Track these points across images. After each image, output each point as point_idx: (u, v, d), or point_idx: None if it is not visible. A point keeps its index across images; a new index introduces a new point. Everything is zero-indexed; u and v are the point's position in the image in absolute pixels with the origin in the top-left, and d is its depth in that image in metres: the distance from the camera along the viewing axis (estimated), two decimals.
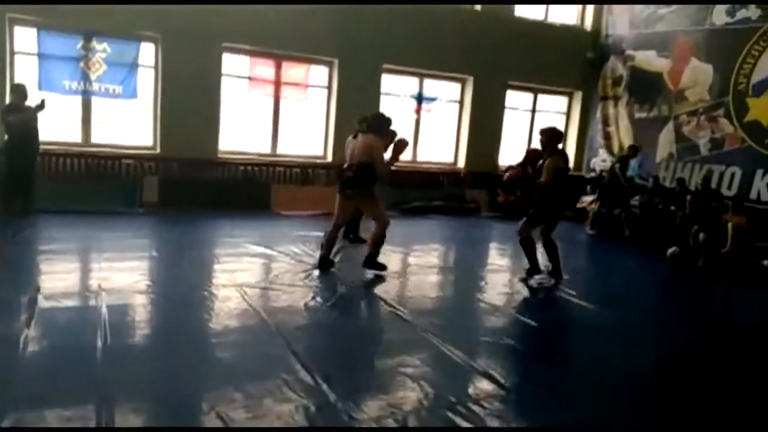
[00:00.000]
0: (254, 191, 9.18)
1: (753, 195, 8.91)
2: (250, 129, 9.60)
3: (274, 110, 9.58)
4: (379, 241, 5.60)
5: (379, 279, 5.54)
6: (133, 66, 8.61)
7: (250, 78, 9.32)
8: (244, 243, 6.67)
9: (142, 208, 8.40)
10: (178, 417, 2.78)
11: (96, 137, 8.64)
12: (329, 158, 10.00)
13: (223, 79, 9.07)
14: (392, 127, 5.90)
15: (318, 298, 4.85)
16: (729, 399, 3.50)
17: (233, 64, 9.19)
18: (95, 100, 8.57)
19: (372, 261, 5.61)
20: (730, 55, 9.38)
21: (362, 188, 5.49)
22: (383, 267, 5.67)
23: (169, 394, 2.99)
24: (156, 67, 8.72)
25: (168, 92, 8.67)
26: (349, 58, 9.66)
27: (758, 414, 3.34)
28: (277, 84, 9.49)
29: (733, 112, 9.37)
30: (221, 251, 6.30)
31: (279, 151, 9.74)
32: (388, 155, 5.71)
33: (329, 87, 9.88)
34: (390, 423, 2.81)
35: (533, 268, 5.92)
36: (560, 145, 6.06)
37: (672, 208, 8.50)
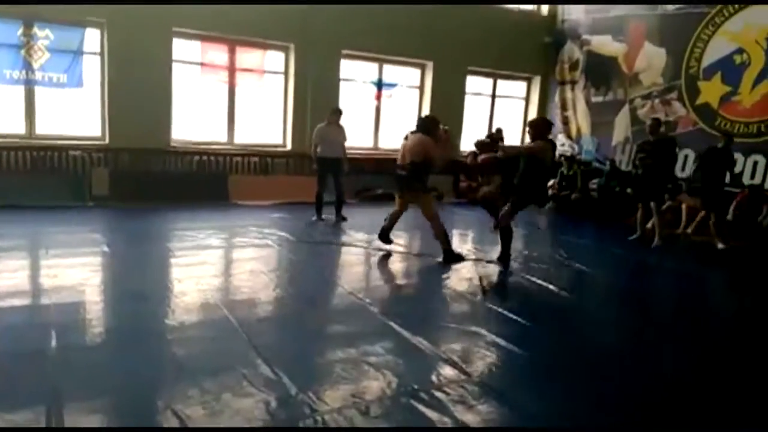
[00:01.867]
0: (210, 182, 8.93)
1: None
2: (205, 117, 9.29)
3: (229, 97, 9.31)
4: (443, 235, 5.91)
5: (345, 267, 5.47)
6: (78, 53, 8.21)
7: (202, 64, 9.01)
8: (201, 236, 6.48)
9: (92, 202, 8.06)
10: (132, 416, 2.67)
11: (41, 128, 8.22)
12: (288, 146, 9.81)
13: (174, 66, 8.75)
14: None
15: (279, 290, 4.74)
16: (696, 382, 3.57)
17: (184, 50, 8.86)
18: (38, 90, 8.14)
19: (450, 255, 5.87)
20: (681, 40, 9.59)
21: (416, 186, 5.90)
22: (460, 258, 5.94)
23: (123, 393, 2.86)
24: (102, 54, 8.33)
25: (116, 80, 8.30)
26: (306, 44, 9.45)
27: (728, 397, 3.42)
28: (232, 70, 9.21)
29: (685, 95, 9.61)
30: (177, 245, 6.09)
31: (236, 139, 9.48)
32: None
33: (286, 73, 9.66)
34: (352, 413, 2.75)
35: (505, 256, 5.94)
36: (550, 136, 5.95)
37: (628, 191, 8.67)
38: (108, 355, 3.34)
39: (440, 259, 5.87)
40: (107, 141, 8.47)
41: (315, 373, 3.22)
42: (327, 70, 9.75)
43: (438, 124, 6.08)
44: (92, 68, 8.35)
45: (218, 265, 5.67)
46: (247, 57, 9.31)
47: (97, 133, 8.52)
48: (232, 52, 9.14)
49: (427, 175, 5.96)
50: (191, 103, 9.09)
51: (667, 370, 3.65)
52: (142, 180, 8.39)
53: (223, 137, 9.40)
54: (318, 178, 7.94)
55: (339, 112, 8.03)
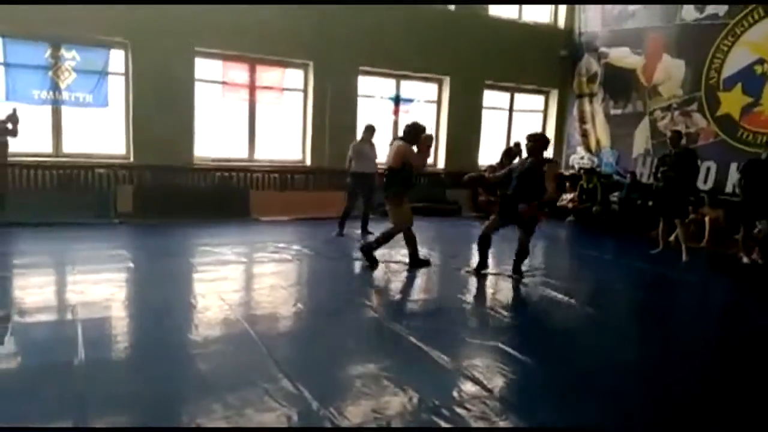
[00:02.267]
0: (232, 198, 9.06)
1: (728, 189, 9.04)
2: (226, 134, 9.48)
3: (250, 115, 9.48)
4: (387, 237, 5.99)
5: (361, 283, 5.49)
6: (103, 73, 8.45)
7: (224, 82, 9.20)
8: (222, 251, 6.56)
9: (117, 219, 8.22)
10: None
11: (67, 147, 8.45)
12: (308, 162, 9.92)
13: (197, 85, 8.94)
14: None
15: (299, 305, 4.77)
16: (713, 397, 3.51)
17: (206, 69, 9.07)
18: (65, 109, 8.39)
19: (369, 251, 5.99)
20: (700, 51, 9.53)
21: (389, 191, 5.98)
22: (374, 261, 5.98)
23: (148, 408, 2.90)
24: (126, 74, 8.56)
25: (140, 99, 8.52)
26: (325, 61, 9.60)
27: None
28: (252, 88, 9.38)
29: (705, 106, 9.52)
30: (199, 260, 6.18)
31: (256, 156, 9.63)
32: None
33: (305, 90, 9.81)
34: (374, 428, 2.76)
35: (481, 265, 5.94)
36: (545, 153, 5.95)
37: (650, 203, 8.58)
38: (132, 370, 3.39)
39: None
40: (132, 159, 8.66)
41: (335, 388, 3.23)
42: (345, 87, 9.87)
43: (421, 132, 6.06)
44: (117, 88, 8.59)
45: (239, 280, 5.73)
46: (267, 75, 9.49)
47: (122, 151, 8.72)
48: (252, 71, 9.32)
49: (407, 184, 6.00)
50: (213, 120, 9.28)
51: (692, 387, 3.59)
52: (165, 196, 8.54)
53: (244, 154, 9.55)
54: (348, 193, 8.04)
55: (373, 130, 8.17)
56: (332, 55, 9.56)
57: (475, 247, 6.05)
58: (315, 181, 9.81)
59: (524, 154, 7.16)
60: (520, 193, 5.60)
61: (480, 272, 5.89)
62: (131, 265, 5.82)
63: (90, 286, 4.92)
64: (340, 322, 4.54)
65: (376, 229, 8.24)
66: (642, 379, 3.70)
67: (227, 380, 3.21)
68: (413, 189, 6.37)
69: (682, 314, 5.41)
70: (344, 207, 7.98)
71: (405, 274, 5.97)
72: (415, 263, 6.09)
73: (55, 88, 8.20)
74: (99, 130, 8.67)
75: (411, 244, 6.10)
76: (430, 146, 6.14)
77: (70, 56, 8.23)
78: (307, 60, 9.62)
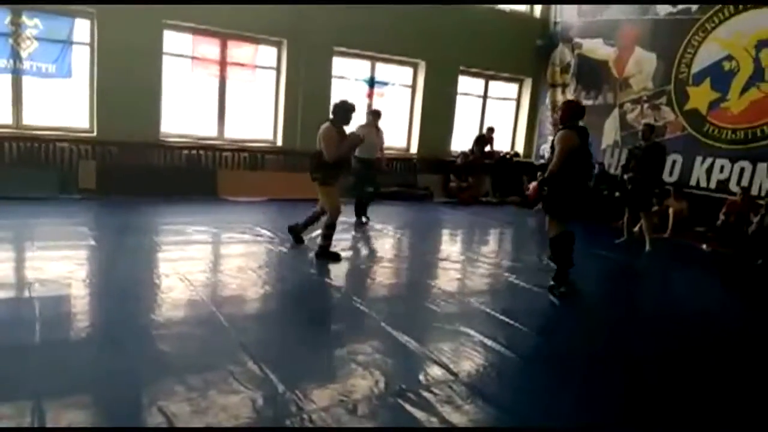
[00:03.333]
0: (199, 176, 8.85)
1: (693, 182, 9.27)
2: (195, 111, 9.21)
3: (220, 92, 9.24)
4: (327, 229, 5.58)
5: (333, 268, 5.44)
6: (67, 43, 8.11)
7: (193, 57, 8.94)
8: (189, 230, 6.43)
9: (79, 195, 7.96)
10: (116, 412, 2.64)
11: (28, 119, 8.11)
12: (279, 142, 9.76)
13: (165, 58, 8.66)
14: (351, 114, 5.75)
15: (268, 287, 4.71)
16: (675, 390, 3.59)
17: (175, 43, 8.78)
18: (26, 80, 8.02)
19: (325, 252, 5.59)
20: (672, 45, 9.67)
21: (315, 174, 5.60)
22: (336, 257, 5.60)
23: (107, 389, 2.82)
24: (92, 45, 8.23)
25: (105, 71, 8.21)
26: (299, 40, 9.41)
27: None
28: (223, 64, 9.14)
29: (674, 100, 9.69)
30: (164, 239, 6.04)
31: (226, 134, 9.42)
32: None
33: (278, 69, 9.61)
34: (340, 412, 2.74)
35: (561, 276, 5.09)
36: (580, 122, 5.04)
37: (616, 194, 8.73)
38: (92, 351, 3.29)
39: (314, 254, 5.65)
40: (95, 133, 8.36)
41: (303, 371, 3.20)
42: (319, 67, 9.71)
43: (350, 111, 5.64)
44: (81, 59, 8.25)
45: (206, 261, 5.62)
46: (238, 51, 9.25)
47: (86, 125, 8.42)
48: (223, 46, 9.08)
49: (333, 168, 5.52)
50: (181, 96, 9.01)
51: (652, 372, 3.67)
52: (130, 173, 8.29)
53: (213, 132, 9.33)
54: (354, 180, 7.79)
55: (378, 114, 7.98)
56: (307, 33, 9.38)
57: (445, 232, 6.06)
58: (286, 162, 9.67)
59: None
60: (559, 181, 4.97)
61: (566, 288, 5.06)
62: (93, 242, 5.65)
63: (49, 263, 4.76)
64: (309, 305, 4.51)
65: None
66: (604, 362, 3.77)
67: (191, 362, 3.15)
68: (342, 173, 5.83)
69: (644, 301, 5.54)
70: (356, 196, 7.74)
71: (378, 260, 5.95)
72: (324, 255, 5.60)
73: (16, 56, 7.83)
74: (62, 102, 8.33)
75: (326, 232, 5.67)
76: (351, 145, 5.71)
77: (32, 24, 7.86)
78: (281, 38, 9.42)
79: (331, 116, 5.67)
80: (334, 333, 3.83)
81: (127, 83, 8.20)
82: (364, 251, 6.20)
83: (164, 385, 2.86)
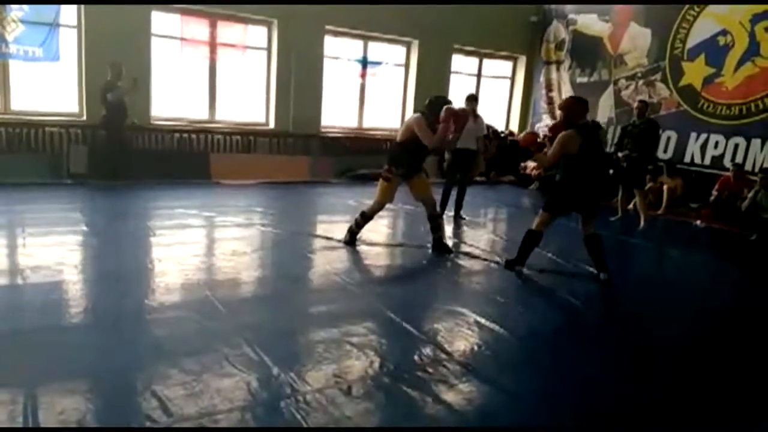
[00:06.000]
0: (191, 160, 8.77)
1: (687, 158, 9.25)
2: (185, 94, 9.11)
3: (210, 73, 9.12)
4: (363, 219, 5.54)
5: (327, 249, 5.43)
6: (54, 26, 7.95)
7: (182, 38, 8.80)
8: (181, 214, 6.39)
9: (70, 179, 7.90)
10: (110, 397, 2.63)
11: (16, 104, 7.99)
12: (271, 124, 9.67)
13: (153, 40, 8.53)
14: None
15: (262, 270, 4.71)
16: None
17: (164, 24, 8.63)
18: (13, 64, 7.89)
19: (352, 238, 5.58)
20: (667, 20, 9.57)
21: (386, 167, 5.43)
22: (353, 240, 5.58)
23: (101, 374, 2.81)
24: (79, 27, 8.09)
25: (93, 54, 8.07)
26: (290, 19, 9.26)
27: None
28: (213, 45, 9.01)
29: (669, 76, 9.63)
30: (157, 223, 6.00)
31: (217, 116, 9.32)
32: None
33: (269, 49, 9.48)
34: (334, 393, 2.74)
35: (519, 261, 5.02)
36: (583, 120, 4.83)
37: (611, 171, 8.71)
38: (86, 336, 3.28)
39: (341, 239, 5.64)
40: (85, 117, 8.26)
41: (297, 353, 3.21)
42: (311, 47, 9.59)
43: (442, 105, 5.24)
44: (69, 42, 8.11)
45: (200, 245, 5.61)
46: (228, 32, 9.11)
47: (75, 109, 8.31)
48: (213, 27, 8.93)
49: (411, 158, 5.30)
50: (171, 79, 8.89)
51: (647, 349, 3.69)
52: (120, 157, 8.19)
53: (204, 114, 9.23)
54: (446, 170, 7.35)
55: (475, 99, 7.34)
56: (297, 13, 9.23)
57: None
58: (279, 145, 9.60)
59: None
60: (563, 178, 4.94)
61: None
62: (85, 228, 5.61)
63: (41, 249, 4.73)
64: (304, 287, 4.51)
65: (338, 194, 8.17)
66: (599, 341, 3.79)
67: (184, 346, 3.15)
68: (416, 167, 5.43)
69: (637, 278, 5.56)
70: (444, 187, 7.14)
71: (374, 242, 5.91)
72: (350, 240, 5.58)
73: (1, 40, 7.68)
74: (50, 86, 8.20)
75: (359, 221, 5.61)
76: (447, 120, 5.12)
77: (17, 6, 7.71)
78: (271, 18, 9.27)
79: (423, 110, 5.35)
80: (327, 314, 3.82)
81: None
82: (359, 234, 6.14)
83: (158, 369, 2.86)
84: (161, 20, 8.59)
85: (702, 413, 2.90)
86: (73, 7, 8.03)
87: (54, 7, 7.91)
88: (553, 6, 11.56)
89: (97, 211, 6.45)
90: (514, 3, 11.33)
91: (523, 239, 4.97)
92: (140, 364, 2.94)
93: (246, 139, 9.33)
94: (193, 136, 8.89)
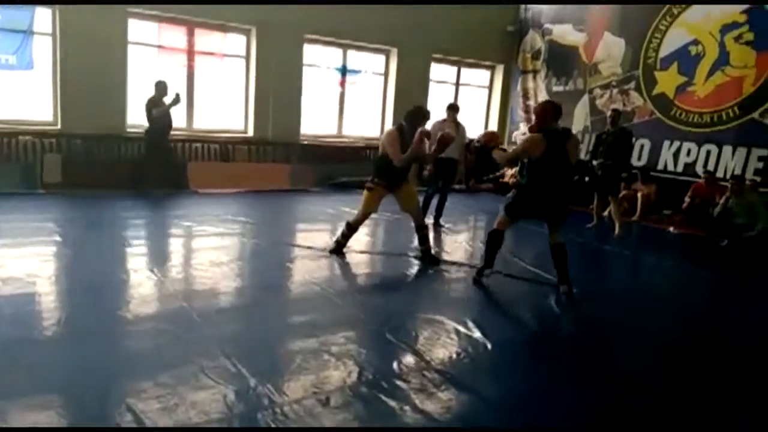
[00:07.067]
0: (169, 168, 8.66)
1: (660, 165, 9.44)
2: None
3: (188, 81, 9.05)
4: (349, 228, 5.52)
5: (307, 258, 5.41)
6: (28, 33, 7.84)
7: (159, 46, 8.74)
8: (158, 224, 6.32)
9: (43, 189, 7.76)
10: (83, 411, 2.58)
11: None
12: (250, 132, 9.63)
13: (130, 48, 8.45)
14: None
15: (240, 280, 4.67)
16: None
17: (140, 31, 8.56)
18: None
19: (339, 247, 5.56)
20: (640, 30, 9.77)
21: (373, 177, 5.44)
22: (340, 250, 5.55)
23: (74, 388, 2.76)
24: (54, 35, 7.97)
25: (68, 62, 7.97)
26: (268, 27, 9.26)
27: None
28: (190, 53, 8.96)
29: (642, 85, 9.82)
30: (133, 233, 5.93)
31: (195, 125, 9.25)
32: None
33: (247, 57, 9.45)
34: (312, 404, 2.73)
35: (487, 264, 4.97)
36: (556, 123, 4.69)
37: (586, 179, 8.84)
38: (59, 349, 3.22)
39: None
40: (59, 126, 8.13)
41: (275, 364, 3.18)
42: (290, 55, 9.59)
43: (421, 116, 5.37)
44: (44, 50, 7.99)
45: (176, 255, 5.55)
46: (206, 39, 9.06)
47: (49, 117, 8.18)
48: (190, 34, 8.88)
49: (393, 170, 5.25)
50: (148, 87, 8.79)
51: (625, 354, 3.75)
52: (96, 166, 8.09)
53: (181, 122, 9.14)
54: (428, 178, 7.41)
55: (455, 109, 7.43)
56: (276, 21, 9.23)
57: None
58: (258, 153, 9.56)
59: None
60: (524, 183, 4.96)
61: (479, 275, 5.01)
62: (58, 238, 5.51)
63: (13, 260, 4.63)
64: (283, 297, 4.48)
65: (317, 203, 8.15)
66: (576, 348, 3.83)
67: (160, 358, 3.10)
68: (400, 178, 5.39)
69: (615, 287, 5.64)
70: (425, 195, 7.17)
71: (354, 250, 5.90)
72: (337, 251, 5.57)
73: None
74: (23, 94, 8.06)
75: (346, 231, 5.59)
76: (419, 142, 5.26)
77: None
78: (250, 25, 9.25)
79: (403, 122, 5.39)
80: (306, 324, 3.80)
81: (92, 74, 7.99)
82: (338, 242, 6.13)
83: (133, 383, 2.81)
84: (138, 28, 8.51)
85: (681, 416, 2.95)
86: (48, 14, 7.92)
87: (28, 14, 7.80)
88: (529, 16, 11.73)
89: (71, 221, 6.34)
90: (493, 3, 11.46)
91: (486, 240, 4.97)
92: (114, 377, 2.90)
93: (224, 147, 9.26)
94: (171, 144, 8.79)
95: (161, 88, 8.18)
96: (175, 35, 8.80)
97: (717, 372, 3.54)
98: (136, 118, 8.70)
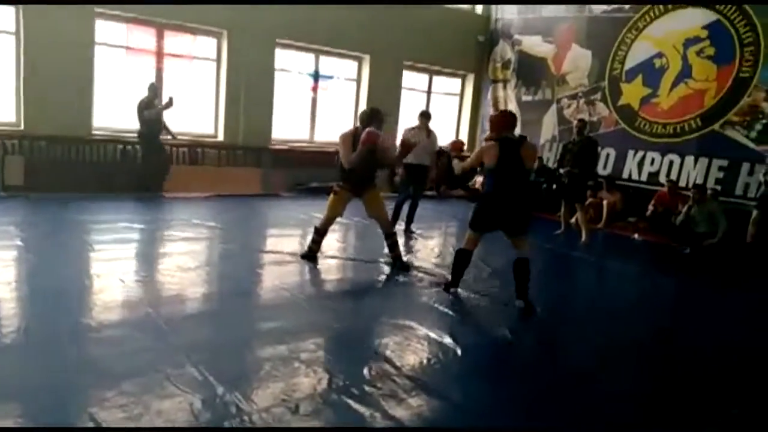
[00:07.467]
0: (135, 172, 8.49)
1: (625, 174, 9.68)
2: (130, 104, 8.81)
3: (156, 83, 8.86)
4: (316, 233, 5.51)
5: (277, 264, 5.36)
6: None
7: (128, 47, 8.57)
8: (124, 228, 6.18)
9: (5, 192, 7.50)
10: (44, 422, 2.49)
11: None
12: (220, 136, 9.52)
13: (97, 48, 8.26)
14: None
15: (208, 286, 4.60)
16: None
17: (108, 32, 8.38)
18: None
19: (310, 253, 5.53)
20: (606, 42, 10.03)
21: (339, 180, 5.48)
22: (312, 256, 5.51)
23: (35, 396, 2.67)
24: (17, 34, 7.74)
25: (33, 62, 7.74)
26: (240, 31, 9.18)
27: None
28: (159, 55, 8.82)
29: (608, 96, 10.07)
30: (98, 238, 5.78)
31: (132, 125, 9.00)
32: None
33: (218, 60, 9.35)
34: (281, 411, 2.70)
35: (453, 283, 4.90)
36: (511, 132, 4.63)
37: (554, 187, 9.02)
38: (18, 357, 3.11)
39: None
40: (22, 127, 7.89)
41: (243, 371, 3.14)
42: (262, 59, 9.53)
43: (376, 117, 5.30)
44: (7, 50, 7.75)
45: (142, 260, 5.42)
46: (176, 41, 8.93)
47: (12, 118, 7.93)
48: (160, 36, 8.75)
49: (357, 173, 5.27)
50: (115, 88, 8.62)
51: (588, 359, 3.81)
52: (60, 169, 7.87)
53: None
54: (399, 184, 7.50)
55: (427, 116, 7.43)
56: (248, 24, 9.16)
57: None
58: (228, 157, 9.45)
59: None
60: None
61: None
62: (20, 242, 5.33)
63: None
64: (252, 303, 4.43)
65: (288, 208, 8.10)
66: (546, 352, 3.89)
67: (124, 366, 3.03)
68: (365, 182, 5.39)
69: (579, 289, 5.75)
70: (396, 201, 7.27)
71: (324, 255, 5.87)
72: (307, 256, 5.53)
73: None
74: None
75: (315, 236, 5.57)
76: (364, 143, 5.13)
77: None
78: (221, 28, 9.17)
79: (359, 125, 5.35)
80: (276, 331, 3.76)
81: (57, 74, 7.79)
82: (305, 247, 6.10)
83: (96, 392, 2.74)
84: (106, 29, 8.33)
85: (651, 420, 3.01)
86: (12, 14, 7.70)
87: None
88: (499, 26, 11.92)
89: (34, 225, 6.15)
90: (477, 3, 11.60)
91: (454, 259, 4.87)
92: (76, 386, 2.82)
93: (194, 151, 9.13)
94: (138, 147, 8.63)
95: (153, 90, 8.21)
96: (144, 36, 8.65)
97: (680, 375, 3.63)
98: (104, 120, 8.52)
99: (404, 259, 5.66)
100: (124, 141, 8.54)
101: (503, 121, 4.68)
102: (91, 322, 3.60)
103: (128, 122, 8.65)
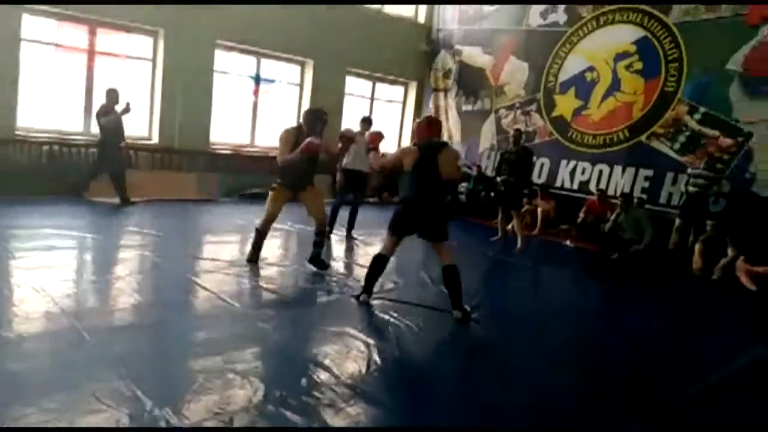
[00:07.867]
0: (63, 175, 8.06)
1: (558, 183, 10.05)
2: (58, 104, 8.40)
3: (87, 83, 8.51)
4: (258, 234, 5.55)
5: (213, 272, 5.21)
6: None
7: (57, 45, 8.15)
8: (48, 235, 5.84)
9: None
10: None
11: None
12: (155, 139, 9.19)
13: (23, 45, 7.82)
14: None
15: (138, 296, 4.39)
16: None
17: (36, 28, 7.95)
18: None
19: (252, 256, 5.59)
20: (542, 55, 10.41)
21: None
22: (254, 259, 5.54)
23: None
24: None
25: None
26: (177, 30, 8.92)
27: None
28: (91, 53, 8.43)
29: (543, 107, 10.44)
30: (18, 245, 5.43)
31: (93, 129, 8.66)
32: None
33: (154, 60, 9.05)
34: (214, 425, 2.62)
35: (366, 290, 4.79)
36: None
37: (492, 194, 9.26)
38: None
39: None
40: None
41: (174, 385, 3.02)
42: (200, 60, 9.29)
43: (315, 118, 5.28)
44: None
45: (68, 269, 5.13)
46: (108, 39, 8.57)
47: None
48: (92, 34, 8.37)
49: (296, 171, 5.30)
50: (42, 87, 8.17)
51: (531, 368, 3.91)
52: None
53: (78, 126, 8.57)
54: (340, 190, 7.46)
55: (369, 122, 7.47)
56: (186, 24, 8.91)
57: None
58: (163, 161, 9.14)
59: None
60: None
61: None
62: None
63: None
64: (185, 313, 4.27)
65: (228, 214, 7.91)
66: (487, 358, 3.95)
67: (45, 382, 2.85)
68: (303, 180, 5.43)
69: (514, 293, 5.90)
70: (333, 205, 7.30)
71: (263, 262, 5.76)
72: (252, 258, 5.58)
73: None
74: None
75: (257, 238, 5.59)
76: (306, 153, 5.16)
77: None
78: (157, 27, 8.87)
79: (302, 123, 5.33)
80: (210, 341, 3.64)
81: None
82: (245, 254, 5.97)
83: (13, 409, 2.56)
84: (33, 24, 7.89)
85: (580, 420, 3.11)
86: None
87: None
88: (441, 36, 12.14)
89: None
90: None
91: (370, 265, 4.74)
92: None
93: (126, 154, 8.76)
94: (66, 149, 8.21)
95: (113, 96, 7.87)
96: (75, 33, 8.25)
97: (608, 374, 3.79)
98: (29, 120, 8.06)
99: (341, 264, 5.64)
100: (51, 142, 8.11)
101: (426, 127, 4.70)
102: (9, 335, 3.37)
103: (59, 123, 8.24)
